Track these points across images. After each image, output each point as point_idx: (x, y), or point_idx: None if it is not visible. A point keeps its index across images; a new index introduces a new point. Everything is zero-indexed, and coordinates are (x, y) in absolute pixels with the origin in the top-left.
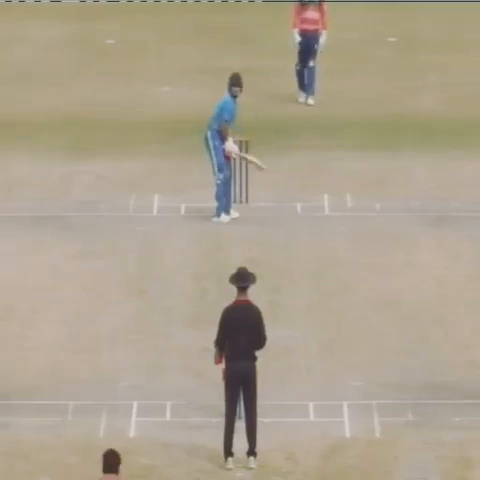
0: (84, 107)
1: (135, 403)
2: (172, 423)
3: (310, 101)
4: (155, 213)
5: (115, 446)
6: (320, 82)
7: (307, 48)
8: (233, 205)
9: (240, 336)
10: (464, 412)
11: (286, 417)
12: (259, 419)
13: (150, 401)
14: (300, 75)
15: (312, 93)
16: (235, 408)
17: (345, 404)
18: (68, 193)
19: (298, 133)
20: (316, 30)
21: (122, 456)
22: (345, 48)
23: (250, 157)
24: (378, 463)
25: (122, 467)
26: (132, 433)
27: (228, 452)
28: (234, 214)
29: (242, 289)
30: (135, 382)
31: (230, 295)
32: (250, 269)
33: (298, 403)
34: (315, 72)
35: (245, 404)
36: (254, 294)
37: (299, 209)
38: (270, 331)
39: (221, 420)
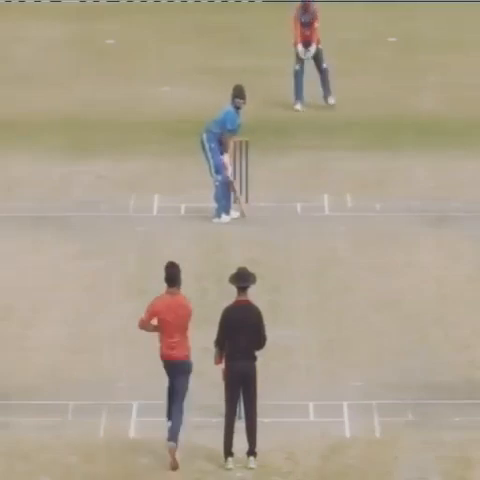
0: (84, 107)
1: (135, 403)
2: None
3: (331, 101)
4: (155, 213)
5: (115, 446)
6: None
7: (315, 56)
8: (233, 205)
9: (240, 336)
10: (464, 412)
11: (286, 417)
12: (259, 419)
13: (150, 401)
14: (298, 76)
15: (329, 93)
16: (235, 408)
17: (345, 404)
18: (68, 193)
19: (298, 133)
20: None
21: (122, 456)
22: (345, 48)
23: (239, 196)
24: (378, 463)
25: (121, 467)
26: (132, 433)
27: (228, 452)
28: (234, 214)
29: (242, 289)
30: (135, 382)
31: (230, 295)
32: (250, 269)
33: (298, 403)
34: (328, 73)
35: (245, 404)
36: (254, 294)
37: (299, 209)
38: (270, 331)
39: (221, 420)
